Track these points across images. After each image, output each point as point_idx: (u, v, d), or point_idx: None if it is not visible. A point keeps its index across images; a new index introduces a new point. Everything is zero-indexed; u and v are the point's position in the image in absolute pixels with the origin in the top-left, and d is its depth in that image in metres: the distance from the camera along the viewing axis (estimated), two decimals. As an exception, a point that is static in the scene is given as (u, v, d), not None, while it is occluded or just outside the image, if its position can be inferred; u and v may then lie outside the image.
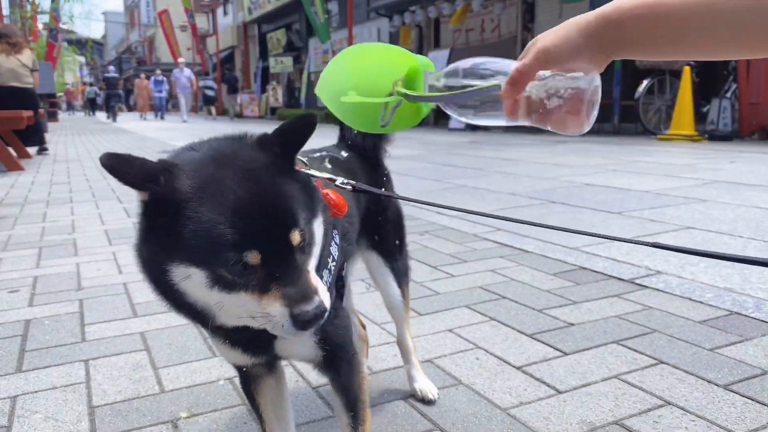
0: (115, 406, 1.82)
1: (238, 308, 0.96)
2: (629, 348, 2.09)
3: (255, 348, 1.17)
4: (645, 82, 10.69)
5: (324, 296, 0.96)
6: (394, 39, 20.69)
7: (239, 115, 29.78)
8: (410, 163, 8.16)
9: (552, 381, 1.88)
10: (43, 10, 28.96)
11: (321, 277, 1.12)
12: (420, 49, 20.03)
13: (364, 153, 1.72)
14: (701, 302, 2.49)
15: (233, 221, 0.88)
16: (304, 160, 1.21)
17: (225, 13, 38.10)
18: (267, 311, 0.93)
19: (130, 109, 42.56)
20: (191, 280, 0.92)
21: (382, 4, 20.15)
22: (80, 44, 63.19)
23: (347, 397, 1.28)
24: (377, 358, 2.10)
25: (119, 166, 0.90)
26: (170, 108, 33.59)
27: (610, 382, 1.86)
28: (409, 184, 6.25)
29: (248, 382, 1.34)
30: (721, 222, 3.89)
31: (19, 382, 1.99)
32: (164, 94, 24.26)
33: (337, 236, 1.25)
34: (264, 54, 32.39)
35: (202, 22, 38.95)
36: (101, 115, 36.28)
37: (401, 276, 1.75)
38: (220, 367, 2.07)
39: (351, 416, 1.28)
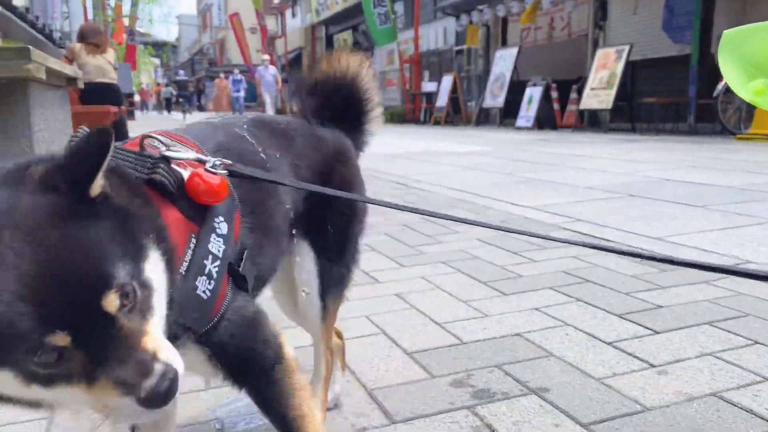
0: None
1: (72, 402, 0.78)
2: (722, 329, 2.08)
3: None
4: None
5: (169, 355, 0.78)
6: (460, 38, 20.67)
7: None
8: (478, 158, 8.16)
9: (645, 356, 1.89)
10: (124, 13, 30.33)
11: (196, 288, 0.95)
12: (487, 48, 19.92)
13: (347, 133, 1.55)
14: (796, 290, 2.44)
15: (19, 304, 0.68)
16: (162, 139, 1.04)
17: (293, 15, 38.93)
18: (105, 404, 0.76)
19: (201, 109, 44.14)
20: (3, 382, 0.73)
21: (449, 3, 20.16)
22: (157, 46, 65.95)
23: (271, 415, 1.06)
24: (467, 330, 2.16)
25: None
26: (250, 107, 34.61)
27: (704, 359, 1.86)
28: (479, 177, 6.27)
29: None
30: (814, 216, 3.75)
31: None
32: (242, 93, 24.96)
33: (222, 226, 1.03)
34: (330, 55, 32.86)
35: (271, 24, 39.90)
36: (176, 114, 37.67)
37: (331, 285, 1.41)
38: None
39: None
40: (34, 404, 0.81)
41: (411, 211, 1.21)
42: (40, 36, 11.61)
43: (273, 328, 1.07)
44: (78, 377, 0.74)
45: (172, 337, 0.89)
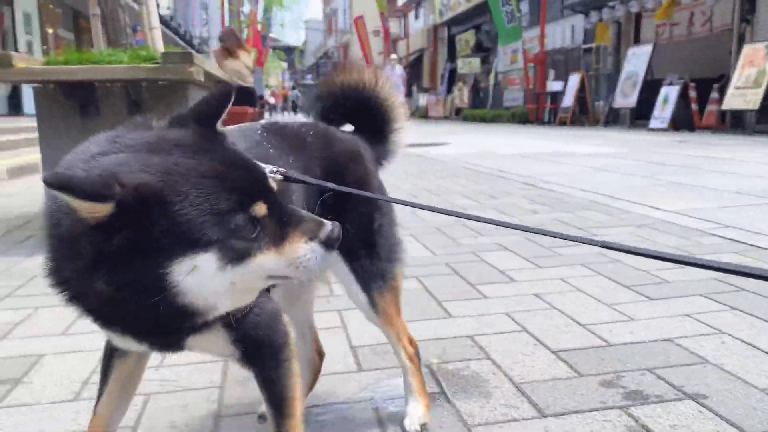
0: (372, 347, 2.06)
1: (256, 275, 0.92)
2: None
3: (166, 346, 1.07)
4: None
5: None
6: (589, 36, 19.93)
7: (424, 116, 30.60)
8: (612, 160, 7.85)
9: (815, 370, 1.77)
10: (258, 20, 32.19)
11: None
12: (618, 46, 19.08)
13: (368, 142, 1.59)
14: None
15: (225, 186, 0.87)
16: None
17: (416, 16, 39.31)
18: (295, 255, 0.93)
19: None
20: (199, 270, 0.86)
21: (578, 0, 19.49)
22: (288, 50, 69.17)
23: (271, 392, 1.16)
24: (613, 333, 2.11)
25: (73, 180, 0.80)
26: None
27: None
28: (613, 179, 6.04)
29: (112, 353, 1.21)
30: None
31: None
32: None
33: None
34: (452, 55, 32.91)
35: (394, 26, 40.55)
36: (301, 115, 39.43)
37: (370, 279, 1.46)
38: (457, 327, 2.23)
39: (275, 411, 1.16)
40: (190, 315, 0.91)
41: (425, 209, 1.20)
42: (181, 42, 12.57)
43: (284, 319, 1.20)
44: (268, 243, 0.91)
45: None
